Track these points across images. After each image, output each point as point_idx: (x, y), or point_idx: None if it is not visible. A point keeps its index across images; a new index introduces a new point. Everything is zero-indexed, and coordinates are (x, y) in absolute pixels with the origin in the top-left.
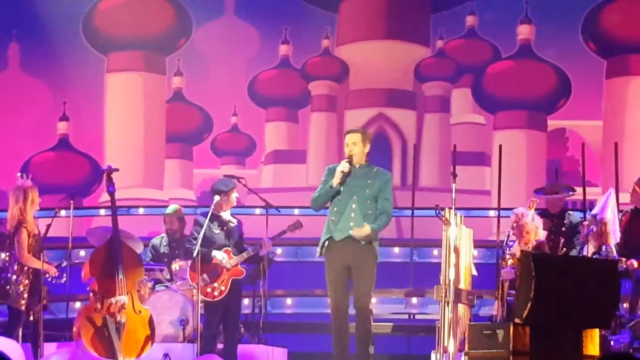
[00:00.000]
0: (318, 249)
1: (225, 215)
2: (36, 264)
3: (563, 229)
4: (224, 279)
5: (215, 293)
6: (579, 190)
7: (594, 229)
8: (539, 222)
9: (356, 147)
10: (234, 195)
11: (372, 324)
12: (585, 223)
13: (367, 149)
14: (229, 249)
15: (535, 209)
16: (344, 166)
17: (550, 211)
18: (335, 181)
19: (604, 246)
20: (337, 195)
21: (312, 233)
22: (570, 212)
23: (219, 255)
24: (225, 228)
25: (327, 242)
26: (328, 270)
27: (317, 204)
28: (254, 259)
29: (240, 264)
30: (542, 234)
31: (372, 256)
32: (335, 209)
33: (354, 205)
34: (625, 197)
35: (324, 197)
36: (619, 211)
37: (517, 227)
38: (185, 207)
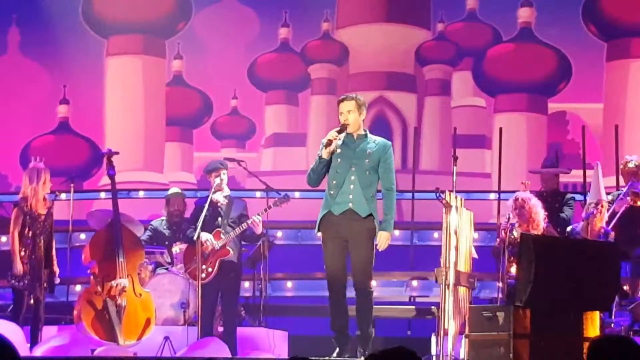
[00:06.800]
0: (317, 225)
1: (216, 196)
2: (14, 244)
3: (557, 205)
4: (211, 260)
5: (203, 275)
6: (579, 173)
7: (595, 212)
8: (539, 203)
9: (351, 115)
10: (213, 176)
11: (373, 306)
12: (588, 202)
13: (364, 116)
14: (219, 230)
15: (530, 191)
16: (331, 135)
17: (543, 190)
18: (324, 153)
19: (603, 229)
20: (329, 166)
21: (312, 216)
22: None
23: (204, 236)
24: (216, 209)
25: (325, 216)
26: (326, 244)
27: (312, 179)
28: (250, 237)
29: (235, 246)
30: (542, 216)
31: (372, 230)
32: (334, 182)
33: (352, 177)
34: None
35: (316, 172)
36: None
37: (523, 212)
38: (185, 190)
